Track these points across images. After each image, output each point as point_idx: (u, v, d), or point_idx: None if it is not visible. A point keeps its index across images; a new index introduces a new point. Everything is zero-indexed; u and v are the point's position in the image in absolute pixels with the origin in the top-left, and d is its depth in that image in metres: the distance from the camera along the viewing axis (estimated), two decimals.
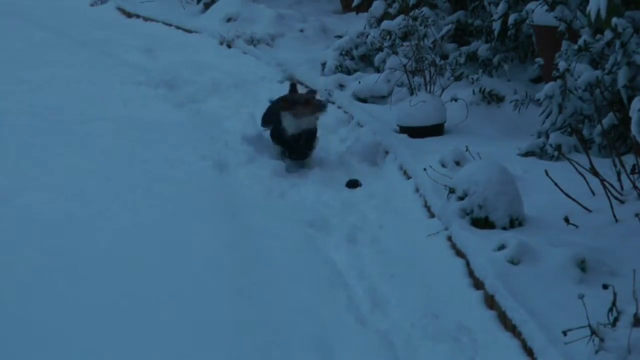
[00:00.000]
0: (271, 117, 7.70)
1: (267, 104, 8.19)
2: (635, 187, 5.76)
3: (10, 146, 7.62)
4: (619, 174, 5.85)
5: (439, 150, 6.98)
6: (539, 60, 7.98)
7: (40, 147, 7.56)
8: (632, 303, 3.96)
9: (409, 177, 6.92)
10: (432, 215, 6.13)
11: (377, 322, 4.86)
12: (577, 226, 5.47)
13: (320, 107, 7.32)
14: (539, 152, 7.08)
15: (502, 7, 8.73)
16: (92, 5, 15.88)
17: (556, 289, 4.64)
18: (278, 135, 7.47)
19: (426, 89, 8.29)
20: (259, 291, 5.13)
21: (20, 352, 4.43)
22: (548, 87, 7.09)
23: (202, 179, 7.04)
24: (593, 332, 3.93)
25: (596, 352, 3.92)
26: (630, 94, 6.43)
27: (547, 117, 7.16)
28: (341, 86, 9.44)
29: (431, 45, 8.91)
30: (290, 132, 7.34)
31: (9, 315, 4.76)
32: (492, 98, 8.34)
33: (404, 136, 7.83)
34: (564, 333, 3.97)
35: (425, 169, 6.40)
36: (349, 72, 9.96)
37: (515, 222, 5.65)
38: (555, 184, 5.77)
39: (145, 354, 4.45)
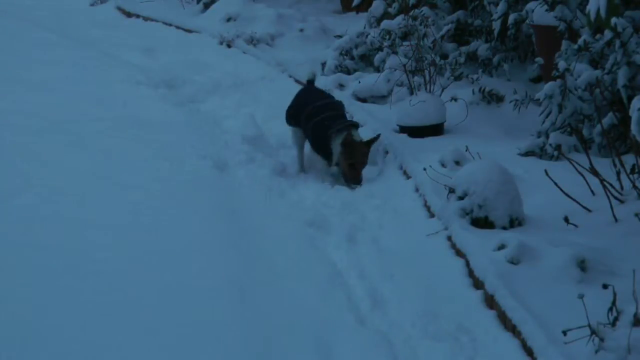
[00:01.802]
0: (306, 121, 7.42)
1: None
2: (635, 186, 5.76)
3: (10, 146, 7.61)
4: (618, 173, 5.85)
5: (439, 150, 6.98)
6: (539, 60, 7.99)
7: (40, 146, 7.56)
8: (632, 303, 3.95)
9: (409, 177, 6.92)
10: (432, 215, 6.13)
11: (377, 321, 4.86)
12: (577, 226, 5.47)
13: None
14: (539, 152, 7.08)
15: (502, 6, 8.74)
16: (92, 5, 15.89)
17: (556, 289, 4.64)
18: (323, 152, 7.35)
19: (426, 88, 8.29)
20: (259, 291, 5.13)
21: (21, 351, 4.43)
22: (548, 87, 7.09)
23: (202, 178, 7.04)
24: (593, 332, 3.93)
25: (596, 351, 3.91)
26: (630, 93, 6.43)
27: (547, 117, 7.16)
28: (341, 86, 9.45)
29: (431, 45, 8.91)
30: (334, 162, 7.29)
31: (9, 314, 4.76)
32: (492, 98, 8.35)
33: (404, 136, 7.83)
34: (564, 333, 3.97)
35: (425, 169, 6.40)
36: (348, 72, 9.97)
37: (515, 222, 5.65)
38: (555, 184, 5.77)
39: (145, 353, 4.45)
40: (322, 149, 7.29)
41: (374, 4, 10.84)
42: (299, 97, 7.73)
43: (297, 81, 10.16)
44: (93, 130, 8.09)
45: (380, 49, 9.58)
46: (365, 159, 7.17)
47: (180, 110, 9.13)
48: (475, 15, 9.69)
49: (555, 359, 4.02)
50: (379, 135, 7.33)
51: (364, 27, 10.72)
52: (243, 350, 4.47)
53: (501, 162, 5.94)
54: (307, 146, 7.62)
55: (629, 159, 6.02)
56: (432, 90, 8.27)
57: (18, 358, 4.40)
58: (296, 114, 7.55)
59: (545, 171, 5.79)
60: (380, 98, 9.03)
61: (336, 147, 7.17)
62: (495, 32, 8.88)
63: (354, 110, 8.60)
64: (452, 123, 8.03)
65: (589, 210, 5.72)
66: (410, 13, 9.36)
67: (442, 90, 8.28)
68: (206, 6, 13.95)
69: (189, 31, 13.16)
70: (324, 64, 10.35)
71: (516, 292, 4.65)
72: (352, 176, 7.12)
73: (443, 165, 6.72)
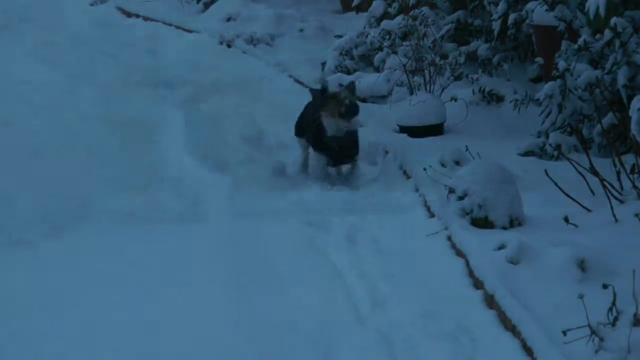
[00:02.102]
0: (307, 125, 7.26)
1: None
2: (635, 186, 5.75)
3: (11, 145, 7.62)
4: (618, 173, 5.85)
5: (439, 150, 6.98)
6: (539, 60, 7.98)
7: (40, 147, 7.55)
8: (632, 303, 3.95)
9: (409, 177, 6.92)
10: (432, 215, 6.13)
11: (377, 321, 4.85)
12: (576, 226, 5.47)
13: (352, 109, 6.96)
14: (539, 152, 7.08)
15: (501, 6, 8.74)
16: (92, 5, 15.89)
17: (556, 289, 4.64)
18: (319, 141, 7.10)
19: (426, 88, 8.30)
20: (259, 291, 5.13)
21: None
22: (548, 87, 7.09)
23: (202, 178, 7.04)
24: (593, 332, 3.93)
25: (596, 351, 3.91)
26: (630, 93, 6.43)
27: (547, 117, 7.16)
28: (341, 86, 9.44)
29: (431, 45, 8.91)
30: (331, 134, 7.01)
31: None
32: (492, 98, 8.35)
33: (404, 136, 7.83)
34: (564, 333, 3.97)
35: (425, 169, 6.40)
36: (348, 72, 9.97)
37: (515, 222, 5.65)
38: (555, 184, 5.77)
39: (145, 353, 4.45)
40: (320, 144, 7.15)
41: (374, 4, 10.84)
42: (305, 108, 7.54)
43: (297, 81, 10.17)
44: (93, 131, 8.08)
45: (380, 49, 9.58)
46: (343, 101, 6.95)
47: (180, 110, 9.13)
48: (475, 15, 9.69)
49: (555, 359, 4.02)
50: (352, 82, 7.24)
51: (364, 27, 10.72)
52: (243, 350, 4.47)
53: (501, 162, 5.94)
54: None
55: (629, 159, 6.02)
56: (432, 90, 8.27)
57: None
58: (299, 125, 7.44)
59: (545, 171, 5.79)
60: (380, 98, 9.02)
61: (326, 121, 6.96)
62: (495, 32, 8.88)
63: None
64: (452, 123, 8.03)
65: (589, 210, 5.72)
66: (410, 13, 9.36)
67: (442, 90, 8.28)
68: (206, 6, 13.96)
69: (189, 31, 13.16)
70: (324, 64, 10.35)
71: (516, 292, 4.65)
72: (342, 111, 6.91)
73: (443, 165, 6.72)
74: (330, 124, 7.03)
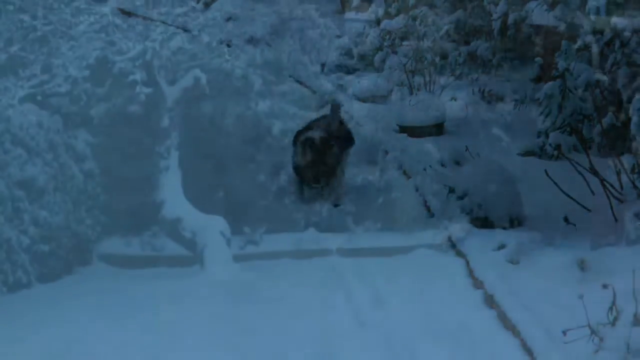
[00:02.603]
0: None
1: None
2: (635, 186, 5.76)
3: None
4: (618, 173, 5.85)
5: (439, 150, 6.98)
6: (539, 60, 7.98)
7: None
8: (632, 303, 3.96)
9: (409, 177, 6.92)
10: (432, 215, 6.13)
11: (377, 321, 4.85)
12: (576, 226, 5.47)
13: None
14: (539, 152, 7.08)
15: (501, 6, 8.74)
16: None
17: (556, 288, 4.64)
18: (295, 170, 7.14)
19: (426, 88, 8.30)
20: (259, 291, 5.13)
21: None
22: (548, 87, 7.08)
23: (202, 179, 7.03)
24: (593, 332, 3.93)
25: (596, 351, 3.92)
26: (630, 94, 6.44)
27: (547, 117, 7.16)
28: (341, 86, 9.46)
29: (431, 45, 8.92)
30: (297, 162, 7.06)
31: None
32: (492, 98, 8.36)
33: (404, 136, 7.84)
34: (564, 333, 3.97)
35: (425, 169, 6.41)
36: (348, 72, 9.98)
37: (514, 222, 5.66)
38: (555, 184, 5.77)
39: (146, 352, 4.45)
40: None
41: (374, 4, 10.86)
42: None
43: (297, 81, 10.16)
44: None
45: (380, 48, 9.58)
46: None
47: (179, 110, 9.10)
48: (475, 15, 9.70)
49: (555, 359, 4.02)
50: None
51: (364, 27, 10.73)
52: (243, 350, 4.47)
53: (501, 162, 5.95)
54: None
55: (629, 159, 6.02)
56: (432, 90, 8.27)
57: None
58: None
59: (545, 171, 5.79)
60: (380, 98, 9.04)
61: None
62: (495, 32, 8.89)
63: (354, 110, 8.60)
64: (452, 123, 8.04)
65: (589, 210, 5.72)
66: (410, 13, 9.37)
67: (442, 90, 8.29)
68: (206, 6, 13.96)
69: (189, 31, 13.14)
70: (324, 64, 10.36)
71: (516, 292, 4.66)
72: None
73: (443, 165, 6.73)
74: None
